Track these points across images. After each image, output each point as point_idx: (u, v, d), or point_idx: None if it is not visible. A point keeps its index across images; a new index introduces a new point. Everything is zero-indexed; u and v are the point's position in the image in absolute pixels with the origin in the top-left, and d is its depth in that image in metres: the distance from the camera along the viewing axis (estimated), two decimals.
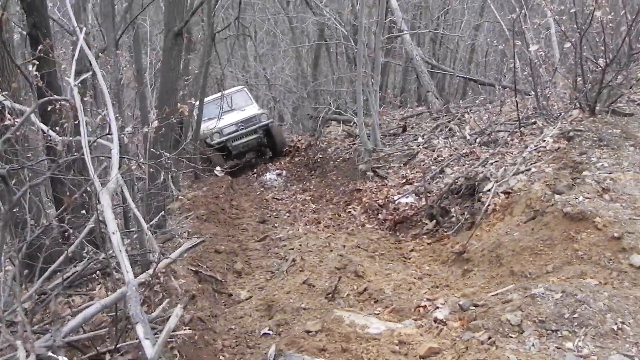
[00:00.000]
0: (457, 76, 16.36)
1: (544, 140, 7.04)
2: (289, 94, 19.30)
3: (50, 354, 3.44)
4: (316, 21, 15.51)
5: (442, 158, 10.30)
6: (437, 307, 4.58)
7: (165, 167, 5.73)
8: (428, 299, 4.91)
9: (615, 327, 3.67)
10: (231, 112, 15.50)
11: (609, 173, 5.90)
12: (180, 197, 9.25)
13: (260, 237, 8.97)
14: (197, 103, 12.47)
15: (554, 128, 7.19)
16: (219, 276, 6.91)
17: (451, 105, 14.86)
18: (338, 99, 16.19)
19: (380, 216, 9.60)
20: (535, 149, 7.02)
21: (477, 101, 13.95)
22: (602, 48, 6.77)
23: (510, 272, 5.23)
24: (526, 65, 8.29)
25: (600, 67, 6.83)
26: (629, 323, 3.73)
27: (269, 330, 5.33)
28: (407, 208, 9.19)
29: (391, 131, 14.57)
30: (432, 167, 9.55)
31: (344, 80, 16.39)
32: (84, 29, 4.70)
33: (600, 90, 7.05)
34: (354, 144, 13.89)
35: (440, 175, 9.25)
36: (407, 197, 9.60)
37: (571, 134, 6.93)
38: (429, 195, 8.50)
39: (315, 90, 17.03)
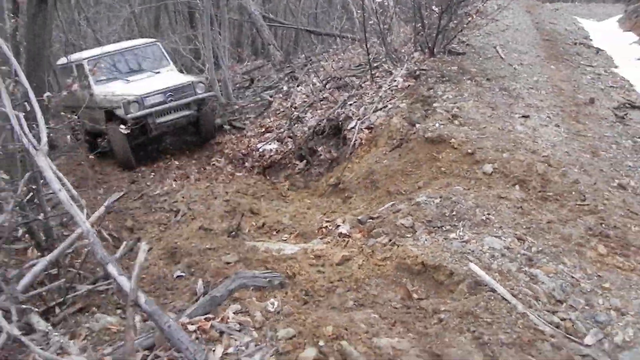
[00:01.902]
0: (299, 29, 17.04)
1: (395, 80, 8.07)
2: None
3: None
4: None
5: (297, 105, 11.09)
6: (338, 225, 5.39)
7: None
8: (327, 221, 5.72)
9: (484, 218, 4.71)
10: (140, 74, 11.30)
11: (454, 103, 7.04)
12: None
13: (137, 196, 9.23)
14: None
15: (402, 69, 8.24)
16: (114, 234, 7.20)
17: (292, 57, 15.68)
18: (181, 57, 16.23)
19: (247, 164, 10.16)
20: (388, 88, 8.03)
21: (316, 51, 14.89)
22: None
23: (387, 192, 6.16)
24: (371, 15, 9.23)
25: (437, 13, 7.92)
26: (493, 214, 4.79)
27: (181, 272, 5.76)
28: (272, 154, 9.88)
29: (237, 85, 15.08)
30: (295, 113, 10.25)
31: (184, 40, 16.46)
32: None
33: (437, 34, 8.19)
34: None
35: (301, 121, 10.05)
36: (270, 144, 10.28)
37: (417, 73, 8.02)
38: (295, 138, 9.27)
39: None
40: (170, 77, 11.09)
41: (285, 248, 5.26)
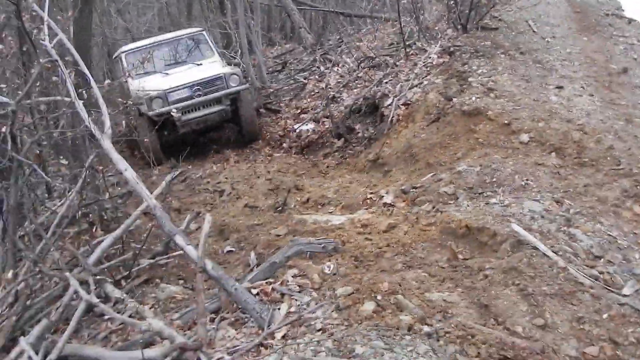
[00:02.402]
0: (329, 11, 17.21)
1: (430, 57, 8.29)
2: None
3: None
4: None
5: (332, 85, 11.35)
6: (382, 196, 5.68)
7: None
8: (370, 193, 6.00)
9: (523, 184, 4.96)
10: (181, 66, 10.38)
11: (489, 77, 7.24)
12: None
13: (180, 179, 9.58)
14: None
15: (436, 46, 8.45)
16: None
17: (323, 39, 15.92)
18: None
19: (284, 145, 10.44)
20: (423, 65, 8.26)
21: (349, 32, 15.11)
22: None
23: (426, 164, 6.41)
24: None
25: None
26: (531, 180, 5.03)
27: (231, 247, 6.02)
28: (309, 134, 10.16)
29: (270, 69, 15.36)
30: (330, 93, 10.50)
31: (216, 26, 16.76)
32: None
33: (470, 10, 8.36)
34: None
35: (337, 100, 10.33)
36: (306, 125, 10.55)
37: (451, 49, 8.22)
38: (332, 117, 9.56)
39: None
40: (204, 69, 10.11)
41: (332, 219, 5.55)
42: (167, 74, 10.00)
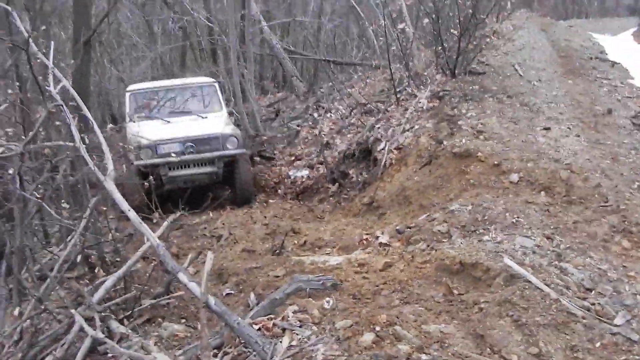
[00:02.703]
0: (320, 59, 17.63)
1: (420, 102, 8.54)
2: None
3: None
4: (178, 20, 16.07)
5: (325, 132, 11.60)
6: (378, 237, 5.81)
7: None
8: (366, 234, 6.14)
9: (514, 221, 5.11)
10: (184, 116, 9.82)
11: (478, 120, 7.47)
12: None
13: (177, 226, 9.67)
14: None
15: (426, 91, 8.73)
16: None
17: (316, 87, 16.28)
18: None
19: (279, 191, 10.61)
20: (414, 110, 8.50)
21: (340, 79, 15.45)
22: (456, 21, 8.36)
23: (420, 206, 6.58)
24: (392, 42, 9.78)
25: (456, 36, 8.42)
26: (522, 217, 5.19)
27: (230, 290, 6.14)
28: (304, 180, 10.34)
29: (263, 117, 15.62)
30: (324, 139, 10.73)
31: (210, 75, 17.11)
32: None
33: (457, 56, 8.67)
34: None
35: (331, 147, 10.55)
36: (301, 171, 10.75)
37: (441, 94, 8.49)
38: (326, 162, 9.75)
39: None
40: (204, 125, 9.49)
41: (329, 260, 5.67)
42: (167, 121, 9.49)
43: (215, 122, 9.67)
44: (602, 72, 10.46)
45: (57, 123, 5.54)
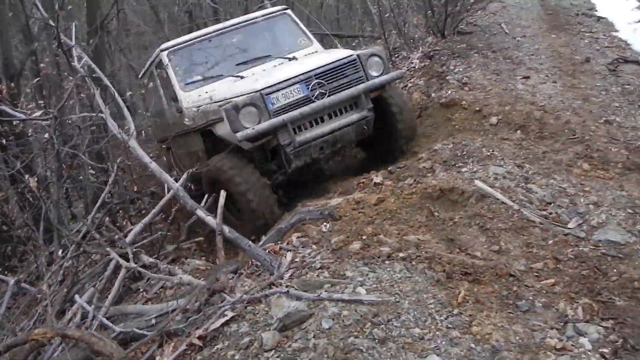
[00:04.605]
0: (325, 34, 18.18)
1: (412, 62, 9.20)
2: None
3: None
4: (184, 4, 16.71)
5: None
6: (372, 178, 6.52)
7: None
8: (363, 179, 6.84)
9: (489, 154, 5.79)
10: (262, 64, 6.80)
11: (464, 74, 8.13)
12: None
13: None
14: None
15: (417, 52, 9.38)
16: None
17: None
18: None
19: None
20: (407, 70, 9.16)
21: None
22: None
23: (412, 153, 7.23)
24: (387, 10, 10.45)
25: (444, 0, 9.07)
26: (497, 151, 5.87)
27: None
28: None
29: None
30: None
31: None
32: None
33: (445, 18, 9.31)
34: None
35: None
36: None
37: (431, 53, 9.14)
38: None
39: None
40: (315, 58, 6.36)
41: (330, 202, 6.39)
42: (240, 77, 6.52)
43: (323, 55, 6.67)
44: (587, 26, 11.00)
45: (82, 96, 6.31)
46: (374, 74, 6.23)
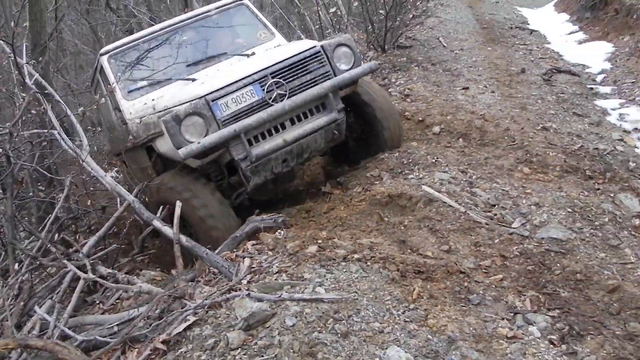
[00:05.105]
0: None
1: None
2: None
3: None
4: (123, 23, 16.58)
5: None
6: (320, 189, 6.63)
7: None
8: (312, 189, 6.94)
9: (434, 161, 5.99)
10: (217, 63, 5.96)
11: (406, 86, 8.37)
12: None
13: None
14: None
15: None
16: None
17: None
18: None
19: None
20: None
21: None
22: (382, 1, 9.27)
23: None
24: (327, 25, 10.66)
25: (384, 15, 9.31)
26: (441, 158, 6.08)
27: None
28: None
29: None
30: None
31: None
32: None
33: (386, 33, 9.57)
34: None
35: None
36: None
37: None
38: None
39: None
40: (272, 53, 5.42)
41: (282, 211, 6.47)
42: (192, 80, 5.59)
43: (287, 46, 5.77)
44: (520, 39, 11.52)
45: (33, 112, 6.20)
46: (343, 67, 5.36)
